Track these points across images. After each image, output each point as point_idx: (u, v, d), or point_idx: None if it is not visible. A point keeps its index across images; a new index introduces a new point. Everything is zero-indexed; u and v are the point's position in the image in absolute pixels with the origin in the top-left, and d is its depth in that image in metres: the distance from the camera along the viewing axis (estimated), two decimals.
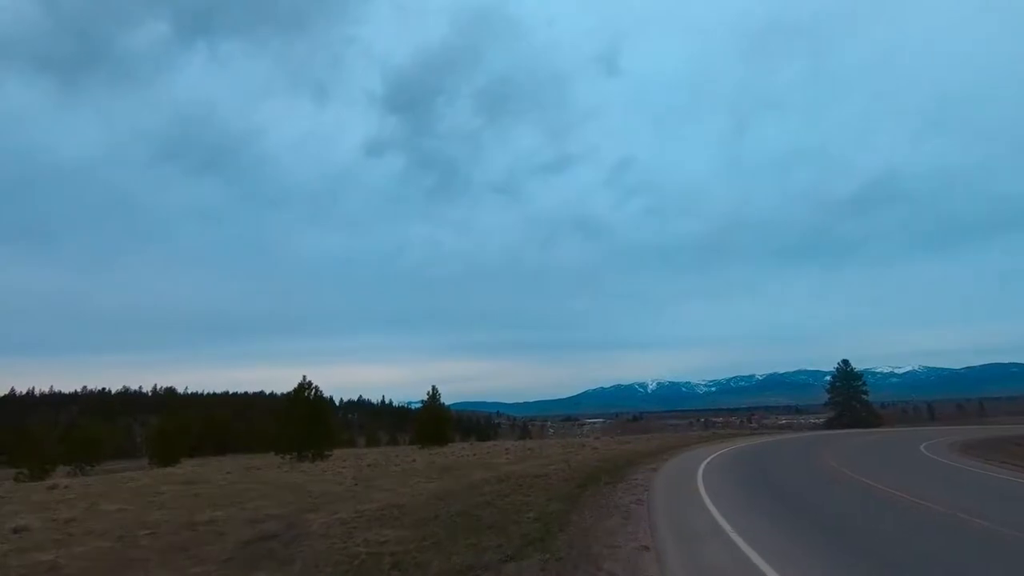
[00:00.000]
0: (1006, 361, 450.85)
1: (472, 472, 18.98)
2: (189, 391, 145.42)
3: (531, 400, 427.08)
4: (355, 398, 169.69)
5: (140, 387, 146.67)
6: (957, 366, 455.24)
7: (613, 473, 14.02)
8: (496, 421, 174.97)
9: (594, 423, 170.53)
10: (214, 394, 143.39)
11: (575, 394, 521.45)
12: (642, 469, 14.88)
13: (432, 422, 36.59)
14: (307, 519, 10.20)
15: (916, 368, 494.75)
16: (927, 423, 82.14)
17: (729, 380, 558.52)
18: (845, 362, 70.76)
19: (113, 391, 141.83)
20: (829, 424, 69.69)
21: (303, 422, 29.51)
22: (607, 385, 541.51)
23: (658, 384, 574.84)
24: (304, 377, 31.72)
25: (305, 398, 30.89)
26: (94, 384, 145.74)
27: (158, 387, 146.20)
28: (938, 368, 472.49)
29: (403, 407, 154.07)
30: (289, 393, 31.85)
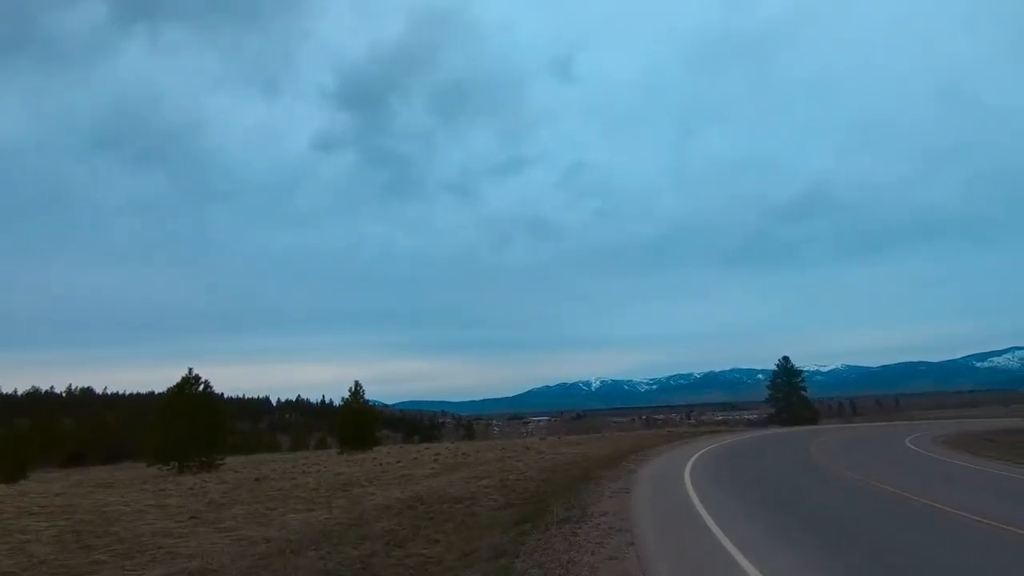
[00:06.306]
0: (915, 360, 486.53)
1: (378, 491, 14.32)
2: (109, 391, 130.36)
3: (478, 399, 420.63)
4: (293, 398, 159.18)
5: (52, 387, 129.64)
6: (874, 365, 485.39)
7: (568, 496, 9.72)
8: (441, 420, 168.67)
9: (539, 421, 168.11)
10: (138, 394, 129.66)
11: (521, 392, 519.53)
12: (607, 489, 10.57)
13: (353, 423, 31.51)
14: None
15: (839, 366, 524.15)
16: (852, 418, 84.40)
17: (669, 378, 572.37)
18: (786, 359, 70.55)
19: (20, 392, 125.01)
20: (771, 420, 69.19)
21: (186, 425, 24.07)
22: (552, 383, 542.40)
23: (601, 382, 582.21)
24: (190, 370, 26.31)
25: (189, 395, 25.33)
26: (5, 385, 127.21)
27: (73, 387, 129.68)
28: (858, 366, 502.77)
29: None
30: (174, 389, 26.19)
